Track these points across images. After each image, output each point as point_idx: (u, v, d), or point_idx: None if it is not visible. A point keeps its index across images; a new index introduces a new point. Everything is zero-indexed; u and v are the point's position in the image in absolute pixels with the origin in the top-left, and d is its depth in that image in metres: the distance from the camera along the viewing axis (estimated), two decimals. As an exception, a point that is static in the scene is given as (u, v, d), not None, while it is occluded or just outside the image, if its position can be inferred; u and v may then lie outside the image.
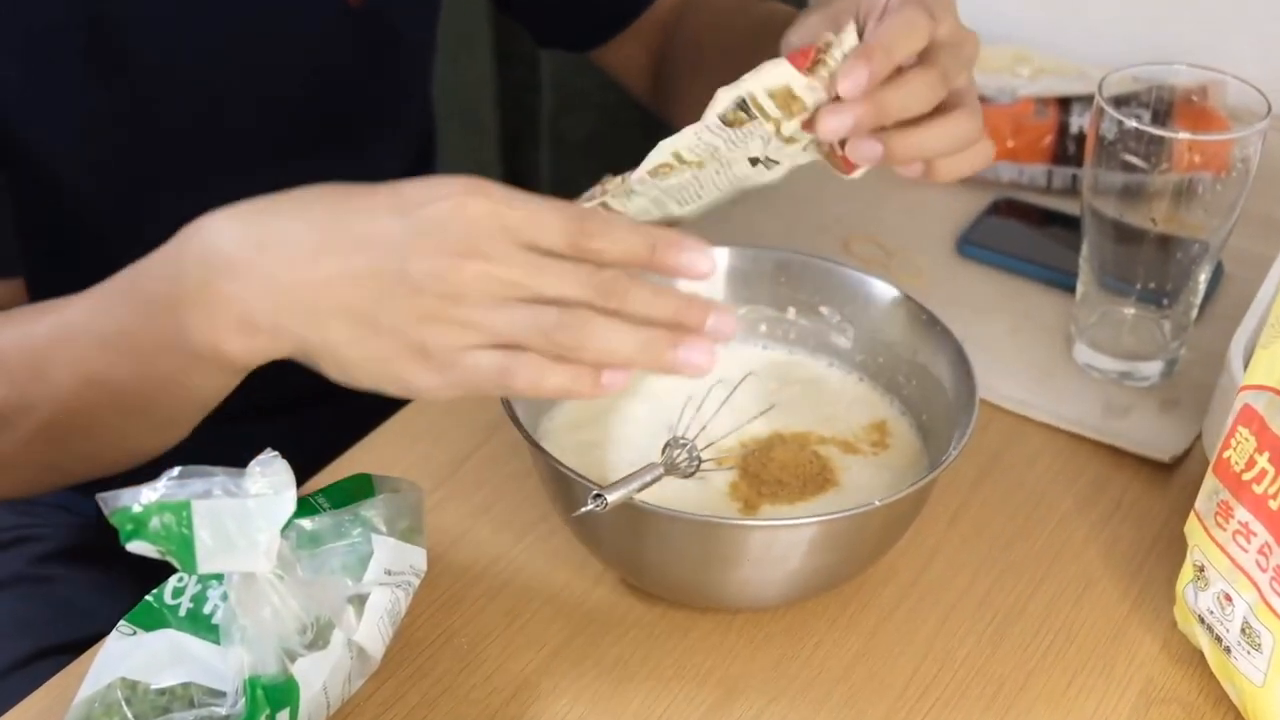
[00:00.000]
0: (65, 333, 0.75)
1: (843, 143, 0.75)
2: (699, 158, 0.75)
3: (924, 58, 0.74)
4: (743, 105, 0.72)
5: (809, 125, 0.74)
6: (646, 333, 0.67)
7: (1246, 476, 0.71)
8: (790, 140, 0.75)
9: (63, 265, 0.88)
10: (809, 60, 0.72)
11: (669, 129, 0.75)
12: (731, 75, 0.73)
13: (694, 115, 0.73)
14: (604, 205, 0.76)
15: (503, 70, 1.94)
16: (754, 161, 0.76)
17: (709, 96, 0.73)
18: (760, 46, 0.82)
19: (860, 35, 0.73)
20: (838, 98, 0.72)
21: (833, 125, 0.72)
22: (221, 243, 0.69)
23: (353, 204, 0.68)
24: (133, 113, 0.90)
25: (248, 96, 0.94)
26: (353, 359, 0.68)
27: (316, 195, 0.69)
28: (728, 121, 0.73)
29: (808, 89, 0.72)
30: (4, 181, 0.86)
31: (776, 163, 0.77)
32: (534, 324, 0.66)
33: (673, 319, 0.67)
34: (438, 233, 0.66)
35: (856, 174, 0.77)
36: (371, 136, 1.03)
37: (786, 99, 0.72)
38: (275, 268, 0.67)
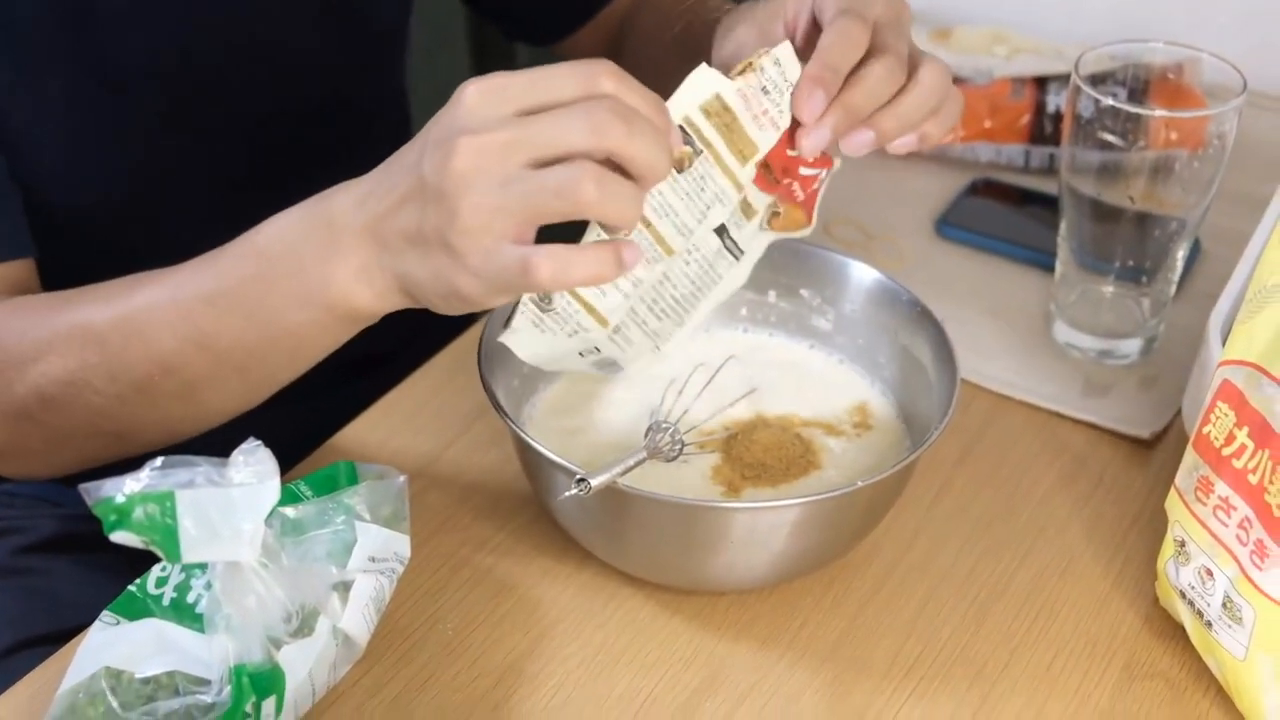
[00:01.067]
0: (169, 296, 0.76)
1: (791, 186, 0.77)
2: (664, 239, 0.73)
3: (873, 48, 0.74)
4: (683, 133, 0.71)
5: (761, 182, 0.75)
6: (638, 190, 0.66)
7: (1226, 451, 0.72)
8: (748, 208, 0.76)
9: (45, 257, 0.88)
10: (736, 69, 0.72)
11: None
12: (670, 76, 0.72)
13: None
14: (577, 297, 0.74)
15: (480, 64, 1.94)
16: (720, 233, 0.76)
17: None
18: (699, 51, 0.82)
19: (790, 40, 0.74)
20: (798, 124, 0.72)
21: (813, 143, 0.72)
22: (340, 202, 0.71)
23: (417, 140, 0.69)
24: (108, 102, 0.90)
25: (220, 86, 0.94)
26: (423, 282, 0.69)
27: (410, 143, 0.71)
28: (674, 160, 0.70)
29: (737, 95, 0.72)
30: (7, 165, 0.86)
31: (742, 252, 0.78)
32: (540, 189, 0.64)
33: (668, 148, 0.67)
34: (445, 130, 0.66)
35: (812, 225, 0.80)
36: (344, 128, 1.03)
37: (722, 116, 0.72)
38: (366, 219, 0.70)
